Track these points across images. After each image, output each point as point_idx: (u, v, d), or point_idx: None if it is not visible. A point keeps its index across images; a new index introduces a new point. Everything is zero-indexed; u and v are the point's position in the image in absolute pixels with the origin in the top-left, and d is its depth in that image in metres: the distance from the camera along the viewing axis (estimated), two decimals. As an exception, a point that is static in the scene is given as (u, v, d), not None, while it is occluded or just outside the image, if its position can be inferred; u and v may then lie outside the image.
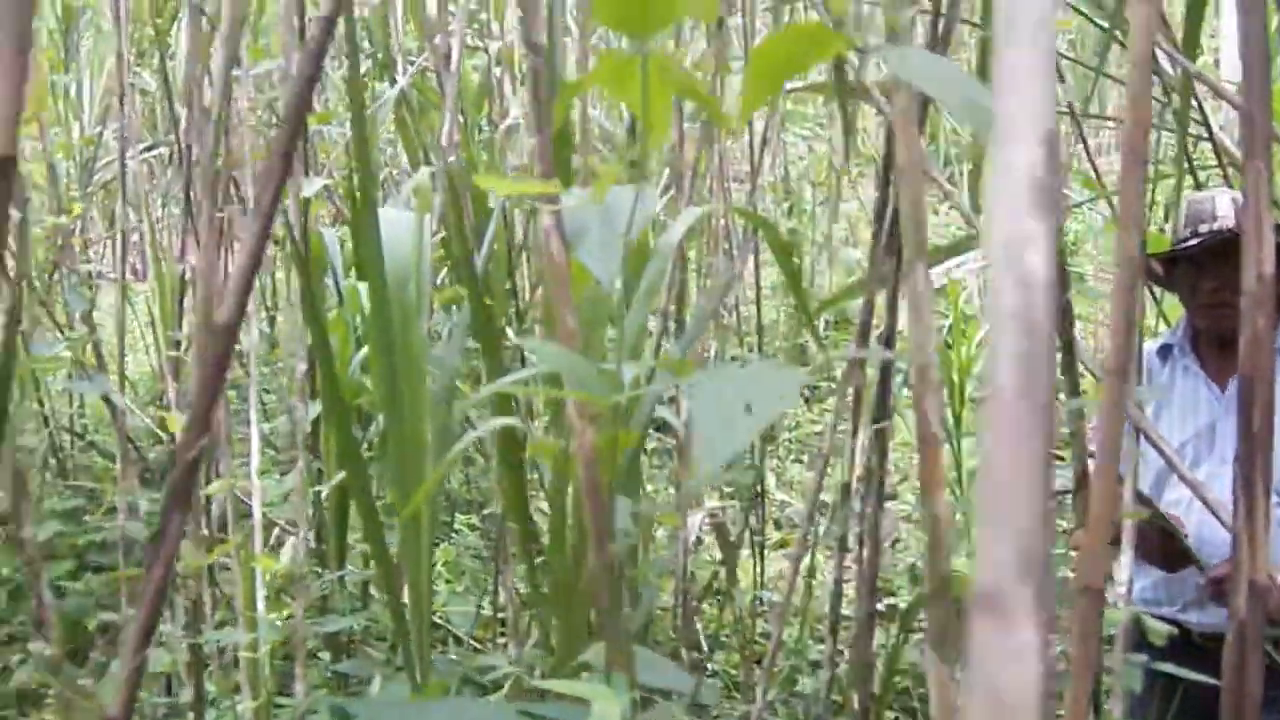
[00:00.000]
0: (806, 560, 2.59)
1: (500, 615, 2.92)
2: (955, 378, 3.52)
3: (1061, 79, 1.76)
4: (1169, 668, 1.68)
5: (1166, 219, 2.87)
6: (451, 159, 2.42)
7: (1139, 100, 0.94)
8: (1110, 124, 5.62)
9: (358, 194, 1.67)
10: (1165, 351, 2.39)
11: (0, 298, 1.52)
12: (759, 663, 2.90)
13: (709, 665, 3.34)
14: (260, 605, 2.43)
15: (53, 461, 3.97)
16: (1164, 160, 2.68)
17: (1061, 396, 1.66)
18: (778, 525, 4.01)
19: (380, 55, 3.90)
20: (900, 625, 3.41)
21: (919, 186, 1.14)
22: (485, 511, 3.75)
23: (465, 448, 1.68)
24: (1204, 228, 2.23)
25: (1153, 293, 2.61)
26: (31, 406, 3.87)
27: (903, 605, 3.64)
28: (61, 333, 3.40)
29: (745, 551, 3.46)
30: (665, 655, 2.59)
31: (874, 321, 2.16)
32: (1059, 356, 1.68)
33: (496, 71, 3.89)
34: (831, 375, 4.16)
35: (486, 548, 3.78)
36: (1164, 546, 2.11)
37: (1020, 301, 0.46)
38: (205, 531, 2.77)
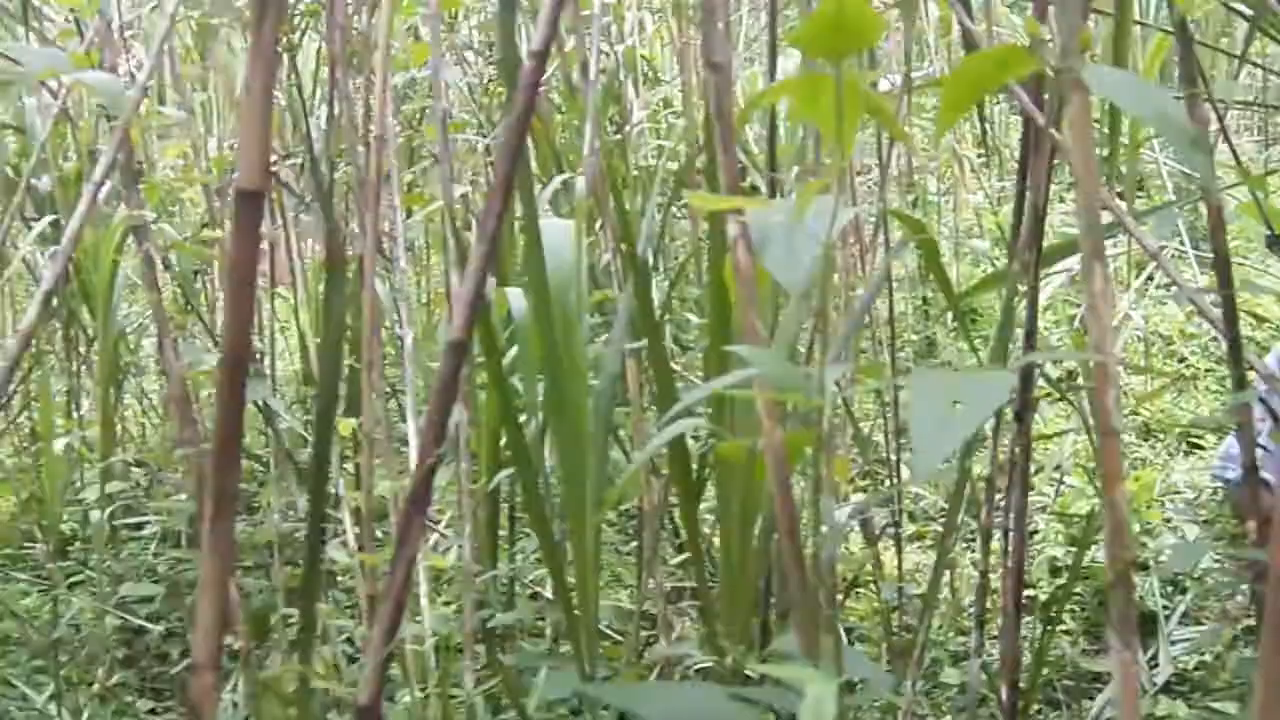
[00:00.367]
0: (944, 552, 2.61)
1: (644, 610, 2.98)
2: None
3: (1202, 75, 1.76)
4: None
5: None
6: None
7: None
8: (1237, 107, 5.52)
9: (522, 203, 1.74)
10: None
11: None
12: (901, 654, 2.92)
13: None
14: (424, 600, 2.52)
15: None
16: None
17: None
18: (912, 518, 4.02)
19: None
20: (1042, 616, 3.41)
21: (1094, 189, 1.18)
22: (623, 507, 3.81)
23: (648, 457, 1.75)
24: None
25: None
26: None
27: (1043, 597, 3.62)
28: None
29: (882, 544, 3.47)
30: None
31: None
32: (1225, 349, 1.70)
33: (620, 76, 3.95)
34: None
35: (623, 544, 3.85)
36: None
37: None
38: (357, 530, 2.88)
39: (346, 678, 2.75)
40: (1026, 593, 3.61)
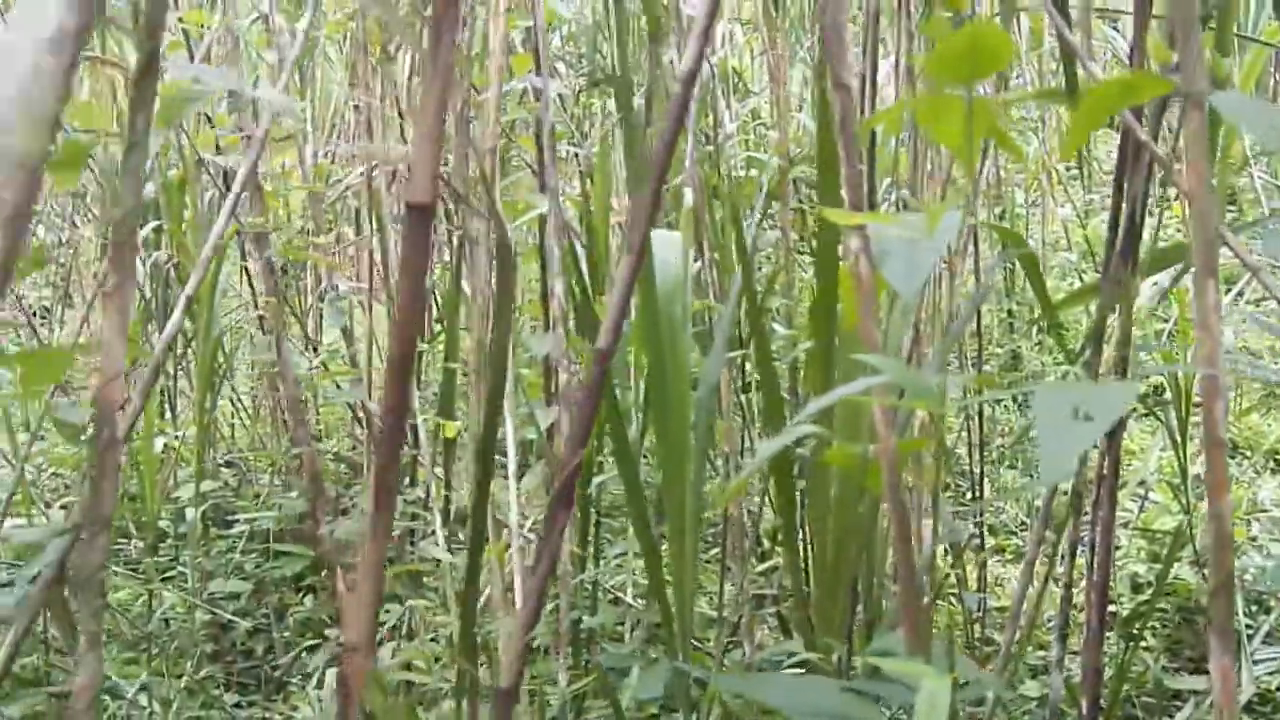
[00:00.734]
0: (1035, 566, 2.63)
1: (724, 615, 3.03)
2: (1180, 384, 3.49)
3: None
4: None
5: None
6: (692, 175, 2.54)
7: None
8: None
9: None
10: None
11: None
12: (981, 665, 2.94)
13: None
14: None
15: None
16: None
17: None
18: (993, 531, 4.03)
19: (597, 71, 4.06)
20: (1124, 632, 3.41)
21: (1210, 207, 1.21)
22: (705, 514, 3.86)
23: (755, 468, 1.79)
24: None
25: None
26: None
27: (1124, 613, 3.62)
28: (313, 348, 3.63)
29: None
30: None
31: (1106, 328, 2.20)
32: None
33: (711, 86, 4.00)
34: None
35: (703, 551, 3.90)
36: None
37: None
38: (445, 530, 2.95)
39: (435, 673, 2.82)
40: (1109, 608, 3.60)
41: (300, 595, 3.70)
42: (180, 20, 3.03)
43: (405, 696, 2.47)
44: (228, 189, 2.22)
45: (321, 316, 4.19)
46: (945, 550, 3.31)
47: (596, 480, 2.73)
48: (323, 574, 3.68)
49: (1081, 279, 5.10)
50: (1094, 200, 5.64)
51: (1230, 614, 1.30)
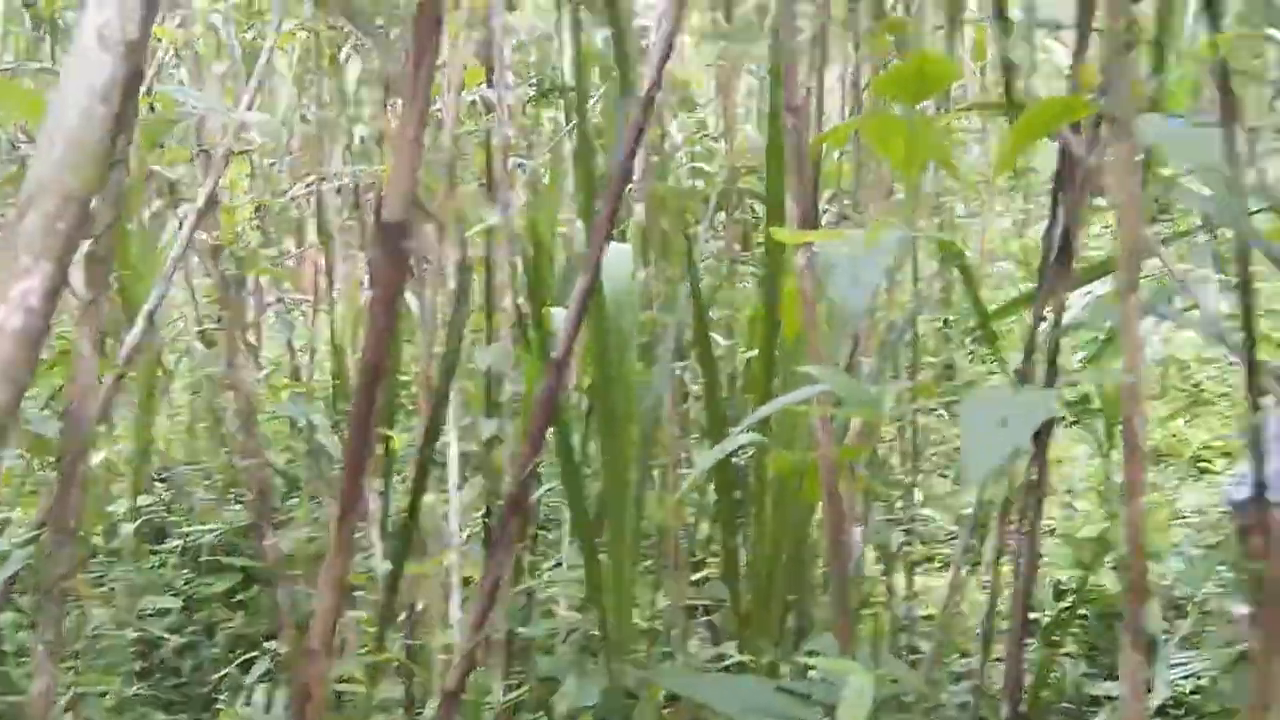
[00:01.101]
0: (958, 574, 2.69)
1: (657, 625, 3.04)
2: (1106, 393, 3.59)
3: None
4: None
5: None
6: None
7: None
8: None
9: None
10: None
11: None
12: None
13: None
14: (456, 611, 2.62)
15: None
16: None
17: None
18: (922, 541, 4.10)
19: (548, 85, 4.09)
20: (1045, 639, 3.49)
21: (1137, 224, 1.29)
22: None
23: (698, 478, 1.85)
24: None
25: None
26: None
27: (1045, 620, 3.69)
28: (256, 361, 3.62)
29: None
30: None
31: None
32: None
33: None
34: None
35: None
36: None
37: None
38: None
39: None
40: (1031, 615, 3.67)
41: (232, 610, 3.68)
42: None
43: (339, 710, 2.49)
44: (175, 201, 2.25)
45: (260, 330, 4.18)
46: (876, 558, 3.37)
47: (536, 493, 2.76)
48: (254, 589, 3.66)
49: (1019, 289, 5.20)
50: (1031, 209, 5.73)
51: (1142, 614, 1.36)
